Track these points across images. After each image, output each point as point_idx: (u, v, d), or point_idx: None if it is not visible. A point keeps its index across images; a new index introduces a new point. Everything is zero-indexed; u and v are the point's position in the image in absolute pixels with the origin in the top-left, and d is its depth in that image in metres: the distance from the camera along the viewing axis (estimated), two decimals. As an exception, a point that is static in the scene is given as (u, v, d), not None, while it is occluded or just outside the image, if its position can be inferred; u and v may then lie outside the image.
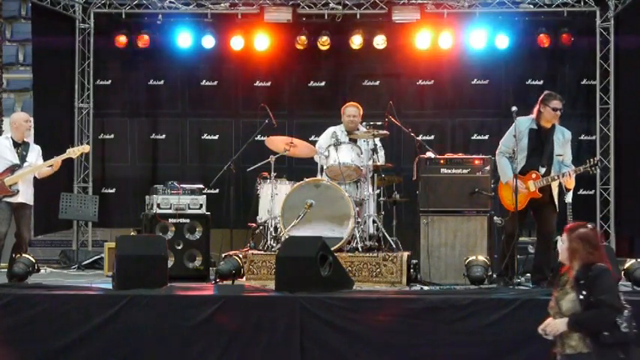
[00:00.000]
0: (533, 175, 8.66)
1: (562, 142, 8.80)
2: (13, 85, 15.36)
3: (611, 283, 5.43)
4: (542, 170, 8.68)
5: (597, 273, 5.39)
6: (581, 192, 12.00)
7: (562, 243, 5.57)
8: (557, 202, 8.83)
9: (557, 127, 8.84)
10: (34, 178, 9.66)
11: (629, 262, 8.65)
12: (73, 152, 9.79)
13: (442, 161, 9.87)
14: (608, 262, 5.47)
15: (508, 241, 8.81)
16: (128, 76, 12.84)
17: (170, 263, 9.32)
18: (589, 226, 5.55)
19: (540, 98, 8.84)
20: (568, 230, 5.55)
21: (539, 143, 8.72)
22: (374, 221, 9.67)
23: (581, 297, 5.36)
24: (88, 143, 12.52)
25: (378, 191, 9.95)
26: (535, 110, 8.81)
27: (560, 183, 8.78)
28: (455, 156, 10.00)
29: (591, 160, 8.72)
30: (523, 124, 8.80)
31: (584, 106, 12.38)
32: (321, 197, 9.37)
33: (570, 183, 8.63)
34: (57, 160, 9.56)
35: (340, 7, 12.33)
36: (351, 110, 10.19)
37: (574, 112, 12.38)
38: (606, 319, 5.33)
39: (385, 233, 9.58)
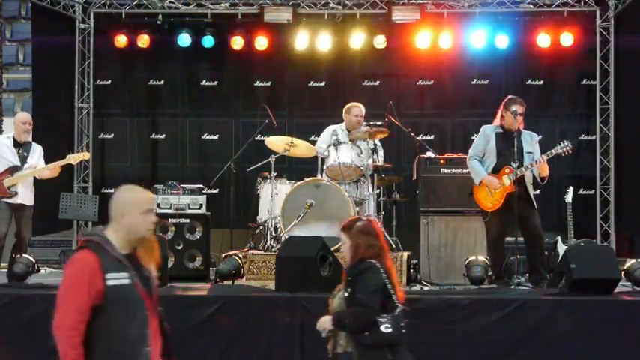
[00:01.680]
0: (507, 170, 8.66)
1: (530, 142, 8.86)
2: (13, 85, 15.37)
3: (372, 282, 5.29)
4: (515, 165, 8.67)
5: (362, 269, 5.30)
6: (581, 192, 12.01)
7: (344, 242, 5.52)
8: (534, 201, 8.80)
9: (524, 131, 8.91)
10: (34, 178, 9.66)
11: (629, 262, 8.65)
12: (73, 159, 9.80)
13: (442, 161, 9.88)
14: (387, 254, 5.40)
15: (494, 242, 8.80)
16: (128, 76, 12.85)
17: (170, 263, 9.32)
18: (364, 218, 5.54)
19: (503, 102, 8.88)
20: (346, 227, 5.49)
21: (508, 143, 8.72)
22: (375, 221, 9.66)
23: (346, 294, 5.32)
24: (87, 143, 12.54)
25: (378, 191, 9.95)
26: (498, 115, 8.86)
27: (533, 183, 8.76)
28: (455, 156, 10.02)
29: (562, 142, 8.70)
30: (489, 129, 8.91)
31: (584, 106, 12.39)
32: (321, 197, 9.37)
33: (544, 170, 8.62)
34: (55, 166, 9.56)
35: (340, 7, 12.33)
36: (358, 110, 10.18)
37: (574, 112, 12.42)
38: (362, 318, 5.21)
39: (385, 233, 9.58)
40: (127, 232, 4.32)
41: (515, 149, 8.60)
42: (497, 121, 8.89)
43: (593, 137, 12.24)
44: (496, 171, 8.73)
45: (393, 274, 5.40)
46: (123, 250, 4.31)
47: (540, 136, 9.13)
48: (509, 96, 9.03)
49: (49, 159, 9.72)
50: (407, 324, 5.32)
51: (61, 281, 4.30)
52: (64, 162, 9.64)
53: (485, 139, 8.87)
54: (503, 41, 12.19)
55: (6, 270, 9.13)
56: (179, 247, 9.90)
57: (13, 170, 9.45)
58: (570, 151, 8.68)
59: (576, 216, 9.85)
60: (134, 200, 4.38)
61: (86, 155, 10.47)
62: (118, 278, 4.22)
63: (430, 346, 7.69)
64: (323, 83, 12.67)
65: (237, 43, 12.42)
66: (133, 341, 4.26)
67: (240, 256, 9.40)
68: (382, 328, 5.19)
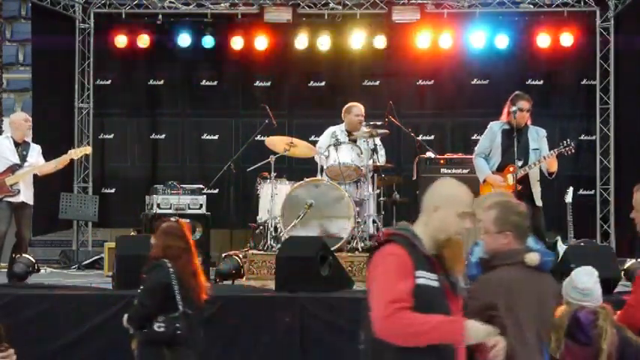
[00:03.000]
0: (511, 169, 8.66)
1: (537, 138, 8.85)
2: (13, 85, 15.34)
3: (152, 281, 5.52)
4: (519, 163, 8.67)
5: (149, 268, 5.56)
6: (581, 192, 12.01)
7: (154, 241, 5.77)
8: (539, 200, 8.79)
9: (531, 127, 8.89)
10: (34, 177, 9.67)
11: (629, 262, 8.65)
12: (75, 153, 9.81)
13: (442, 161, 9.88)
14: (191, 256, 5.61)
15: None
16: (128, 76, 12.85)
17: (170, 263, 9.31)
18: (172, 219, 5.78)
19: (509, 98, 8.88)
20: (155, 229, 5.74)
21: (514, 140, 8.72)
22: (374, 221, 9.67)
23: (139, 291, 5.60)
24: (88, 143, 12.53)
25: (378, 191, 9.94)
26: (505, 111, 8.86)
27: (541, 179, 8.76)
28: (455, 156, 10.02)
29: (564, 141, 8.69)
30: (496, 126, 8.91)
31: (584, 106, 12.39)
32: (321, 197, 9.37)
33: (553, 165, 8.60)
34: (61, 160, 9.57)
35: (340, 7, 12.33)
36: (358, 110, 10.18)
37: (574, 112, 12.42)
38: (134, 315, 5.46)
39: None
40: (436, 228, 3.85)
41: (515, 148, 8.59)
42: (504, 118, 8.87)
43: (593, 137, 12.24)
44: (501, 168, 8.73)
45: (195, 275, 5.64)
46: (429, 250, 3.83)
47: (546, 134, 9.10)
48: (516, 92, 9.03)
49: (49, 159, 9.72)
50: (186, 325, 5.49)
51: (371, 279, 3.79)
52: (66, 157, 9.64)
53: (491, 136, 8.86)
54: (503, 41, 12.19)
55: (6, 270, 9.13)
56: (179, 247, 9.87)
57: (13, 169, 9.46)
58: (573, 150, 8.68)
59: (576, 216, 9.84)
60: (454, 197, 3.92)
61: (87, 149, 10.47)
62: (427, 278, 3.74)
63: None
64: (323, 83, 12.66)
65: (237, 43, 12.42)
66: (434, 348, 3.72)
67: (240, 256, 9.39)
68: (155, 327, 5.39)
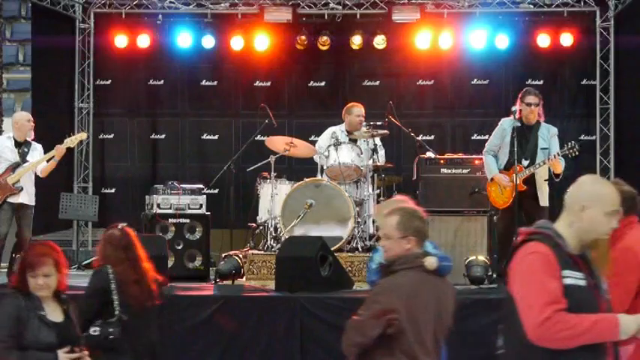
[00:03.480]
0: (517, 168, 8.66)
1: (547, 136, 8.84)
2: (13, 85, 15.36)
3: (90, 286, 5.67)
4: (526, 163, 8.67)
5: (92, 273, 5.69)
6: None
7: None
8: (546, 200, 8.79)
9: (543, 125, 8.88)
10: (36, 177, 9.66)
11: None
12: (71, 141, 9.75)
13: (442, 161, 9.86)
14: (137, 262, 5.70)
15: (501, 240, 8.81)
16: (128, 76, 12.85)
17: (170, 263, 9.32)
18: (120, 226, 5.79)
19: (519, 95, 8.89)
20: (102, 235, 5.84)
21: (522, 138, 8.72)
22: (374, 221, 9.68)
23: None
24: (88, 143, 12.53)
25: (378, 191, 9.95)
26: (516, 108, 8.87)
27: (549, 181, 8.76)
28: (455, 156, 10.00)
29: (569, 143, 8.70)
30: (507, 122, 8.87)
31: (584, 106, 12.39)
32: (321, 197, 9.38)
33: (557, 167, 8.59)
34: (58, 151, 9.49)
35: (340, 7, 12.33)
36: (359, 110, 10.18)
37: (574, 112, 12.43)
38: (76, 318, 5.49)
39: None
40: (583, 229, 3.67)
41: (516, 148, 8.59)
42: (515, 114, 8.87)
43: (593, 137, 12.25)
44: (508, 167, 8.74)
45: (139, 282, 5.67)
46: (573, 250, 3.67)
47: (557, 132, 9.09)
48: (526, 88, 9.04)
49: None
50: (121, 331, 5.55)
51: (515, 281, 3.65)
52: (62, 146, 9.56)
53: (501, 133, 8.84)
54: (503, 41, 12.19)
55: (6, 270, 9.13)
56: (179, 247, 9.88)
57: (14, 167, 9.46)
58: (577, 152, 8.68)
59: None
60: (602, 195, 3.69)
61: (83, 135, 10.41)
62: (575, 277, 3.59)
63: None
64: (323, 83, 12.67)
65: (237, 43, 12.41)
66: (590, 349, 3.58)
67: (240, 256, 9.40)
68: (90, 330, 5.49)
